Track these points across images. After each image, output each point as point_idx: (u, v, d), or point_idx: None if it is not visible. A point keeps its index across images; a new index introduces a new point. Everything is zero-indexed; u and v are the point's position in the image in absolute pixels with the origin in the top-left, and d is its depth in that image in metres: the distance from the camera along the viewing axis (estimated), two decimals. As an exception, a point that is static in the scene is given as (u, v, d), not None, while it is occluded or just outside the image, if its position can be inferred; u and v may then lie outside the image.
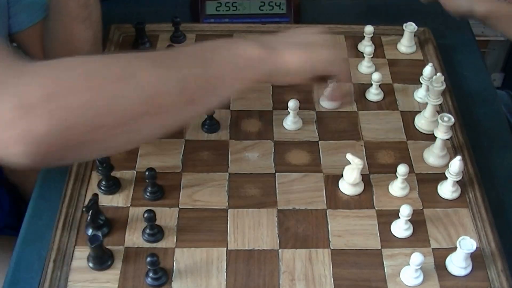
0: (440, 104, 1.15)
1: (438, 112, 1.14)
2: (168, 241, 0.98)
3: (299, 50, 0.87)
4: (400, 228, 0.99)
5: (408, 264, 0.92)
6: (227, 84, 0.82)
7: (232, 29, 1.38)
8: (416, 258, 0.90)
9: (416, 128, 1.16)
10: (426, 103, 1.15)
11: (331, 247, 0.98)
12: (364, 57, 1.27)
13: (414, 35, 1.33)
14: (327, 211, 1.02)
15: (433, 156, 1.10)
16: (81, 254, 0.96)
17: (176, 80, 0.76)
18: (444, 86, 1.12)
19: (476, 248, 0.94)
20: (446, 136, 1.07)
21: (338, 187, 1.06)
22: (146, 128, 0.76)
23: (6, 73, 0.70)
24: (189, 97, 0.78)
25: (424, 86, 1.20)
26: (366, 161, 1.10)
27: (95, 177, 1.06)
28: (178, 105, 0.77)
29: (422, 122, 1.16)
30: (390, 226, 1.00)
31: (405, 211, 0.96)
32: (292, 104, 1.13)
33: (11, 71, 0.71)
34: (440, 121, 1.07)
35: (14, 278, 0.96)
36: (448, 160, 1.09)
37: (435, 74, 1.14)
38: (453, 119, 1.07)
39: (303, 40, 0.89)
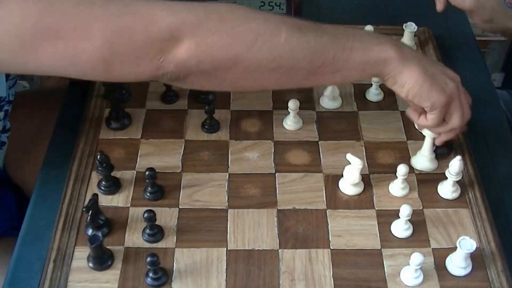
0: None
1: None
2: (168, 241, 0.98)
3: (427, 74, 0.94)
4: (400, 228, 0.99)
5: (408, 264, 0.92)
6: (350, 71, 0.93)
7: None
8: (416, 258, 0.90)
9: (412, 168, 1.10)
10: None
11: (331, 247, 0.98)
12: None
13: (414, 35, 1.33)
14: (327, 211, 1.02)
15: (422, 159, 1.09)
16: (81, 254, 0.96)
17: (311, 51, 0.89)
18: None
19: (476, 248, 0.94)
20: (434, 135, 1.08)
21: (338, 187, 1.06)
22: (267, 81, 0.93)
23: None
24: (314, 69, 0.91)
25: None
26: (366, 161, 1.10)
27: (95, 177, 1.06)
28: (303, 72, 0.92)
29: (419, 161, 1.10)
30: (390, 226, 1.00)
31: (405, 211, 0.96)
32: (292, 104, 1.13)
33: None
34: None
35: (14, 278, 0.96)
36: (437, 165, 1.09)
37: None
38: None
39: (438, 71, 0.97)
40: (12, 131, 1.24)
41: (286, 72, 0.90)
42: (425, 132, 1.07)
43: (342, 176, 1.05)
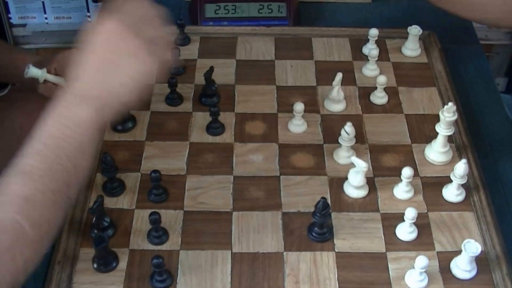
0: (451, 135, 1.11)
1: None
2: (173, 243, 0.98)
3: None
4: (405, 231, 0.99)
5: (413, 267, 0.92)
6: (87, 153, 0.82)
7: (236, 31, 1.38)
8: (421, 261, 0.90)
9: (427, 159, 1.12)
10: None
11: (336, 250, 0.98)
12: (368, 60, 1.27)
13: (419, 38, 1.33)
14: (332, 214, 1.02)
15: (434, 152, 1.10)
16: (86, 256, 0.96)
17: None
18: (456, 116, 1.09)
19: (481, 251, 0.93)
20: (449, 132, 1.07)
21: (343, 190, 1.06)
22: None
23: None
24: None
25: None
26: (370, 164, 1.10)
27: (100, 179, 1.06)
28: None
29: (432, 154, 1.11)
30: (395, 229, 1.00)
31: (410, 214, 0.96)
32: (297, 106, 1.13)
33: None
34: (442, 116, 1.07)
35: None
36: (451, 158, 1.09)
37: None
38: (455, 115, 1.07)
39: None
40: (13, 130, 1.24)
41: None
42: (439, 129, 1.08)
43: (347, 179, 1.05)
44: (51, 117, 0.81)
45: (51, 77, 1.16)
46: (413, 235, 0.99)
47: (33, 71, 1.15)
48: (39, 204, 0.77)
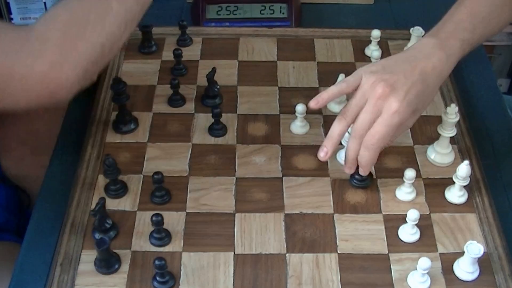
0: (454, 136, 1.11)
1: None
2: (175, 245, 0.98)
3: None
4: (408, 233, 0.99)
5: (416, 269, 0.92)
6: None
7: (239, 32, 1.38)
8: (424, 262, 0.90)
9: (429, 161, 1.12)
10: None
11: (339, 252, 0.98)
12: (371, 61, 1.27)
13: (421, 40, 1.33)
14: (334, 215, 1.02)
15: (436, 153, 1.10)
16: (88, 258, 0.96)
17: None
18: (458, 117, 1.08)
19: (484, 253, 0.93)
20: (452, 134, 1.08)
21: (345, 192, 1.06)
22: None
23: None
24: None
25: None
26: (373, 166, 1.09)
27: (102, 180, 1.06)
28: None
29: (435, 155, 1.11)
30: (398, 231, 1.00)
31: (412, 215, 0.96)
32: (300, 108, 1.13)
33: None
34: (445, 117, 1.07)
35: (19, 282, 0.96)
36: (453, 159, 1.09)
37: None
38: (458, 116, 1.07)
39: None
40: (15, 132, 1.24)
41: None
42: (441, 130, 1.08)
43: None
44: None
45: None
46: (416, 237, 0.99)
47: None
48: None
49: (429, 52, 1.00)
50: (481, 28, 1.04)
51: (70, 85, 0.90)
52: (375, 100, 0.95)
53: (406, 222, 0.98)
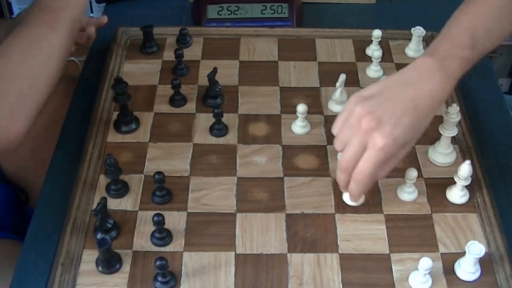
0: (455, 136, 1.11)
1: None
2: (176, 245, 0.98)
3: None
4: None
5: (417, 269, 0.92)
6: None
7: (239, 32, 1.38)
8: (425, 262, 0.90)
9: (430, 161, 1.11)
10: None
11: (340, 252, 0.98)
12: (372, 61, 1.27)
13: (422, 40, 1.33)
14: (336, 215, 1.02)
15: (437, 153, 1.10)
16: (90, 258, 0.96)
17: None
18: (459, 117, 1.08)
19: (485, 253, 0.93)
20: (453, 134, 1.07)
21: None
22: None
23: None
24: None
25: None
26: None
27: (103, 180, 1.06)
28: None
29: (436, 155, 1.11)
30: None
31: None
32: (300, 108, 1.13)
33: None
34: (446, 117, 1.07)
35: (19, 281, 0.96)
36: (454, 159, 1.09)
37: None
38: (459, 116, 1.07)
39: None
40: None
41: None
42: (442, 130, 1.08)
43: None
44: None
45: None
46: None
47: None
48: None
49: (426, 74, 0.94)
50: (481, 43, 0.98)
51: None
52: (361, 135, 0.91)
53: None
